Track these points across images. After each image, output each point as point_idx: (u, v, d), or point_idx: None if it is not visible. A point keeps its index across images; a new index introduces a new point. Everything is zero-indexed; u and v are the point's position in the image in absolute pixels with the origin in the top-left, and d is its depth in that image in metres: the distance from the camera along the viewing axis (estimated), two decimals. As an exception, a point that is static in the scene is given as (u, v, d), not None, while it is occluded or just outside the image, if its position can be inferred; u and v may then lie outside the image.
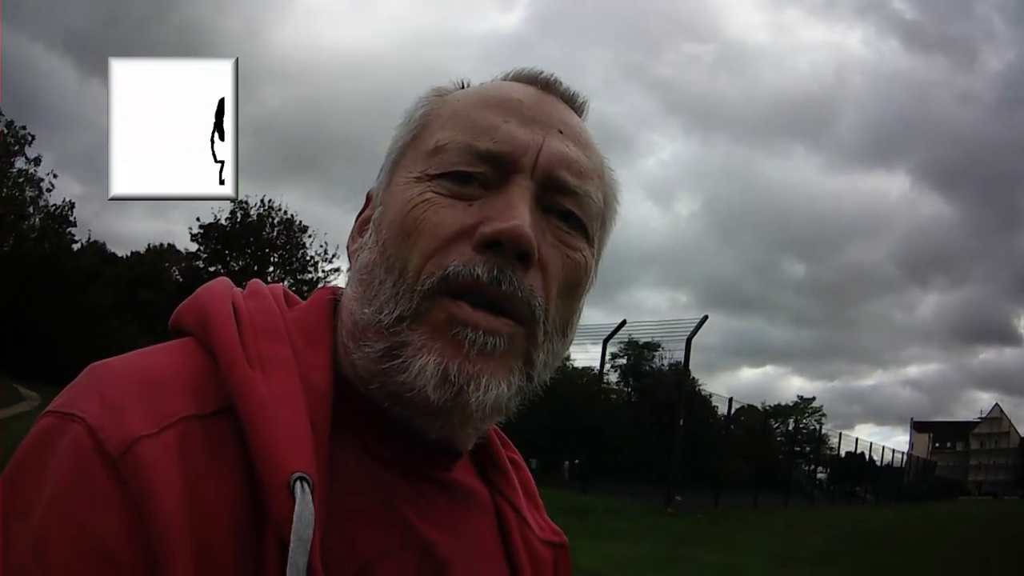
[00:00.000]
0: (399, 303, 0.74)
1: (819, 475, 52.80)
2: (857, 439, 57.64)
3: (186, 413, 0.67)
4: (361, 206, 0.90)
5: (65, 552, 0.60)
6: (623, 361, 40.65)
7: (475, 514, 0.85)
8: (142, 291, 33.71)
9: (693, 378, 39.42)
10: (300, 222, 37.04)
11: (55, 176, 37.91)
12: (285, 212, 36.56)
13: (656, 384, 37.27)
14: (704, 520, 20.66)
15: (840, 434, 53.58)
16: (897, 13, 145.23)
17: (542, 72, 0.86)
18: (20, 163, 35.33)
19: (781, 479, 40.67)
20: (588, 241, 0.82)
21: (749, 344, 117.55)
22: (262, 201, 33.05)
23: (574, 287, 0.80)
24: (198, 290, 0.80)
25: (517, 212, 0.74)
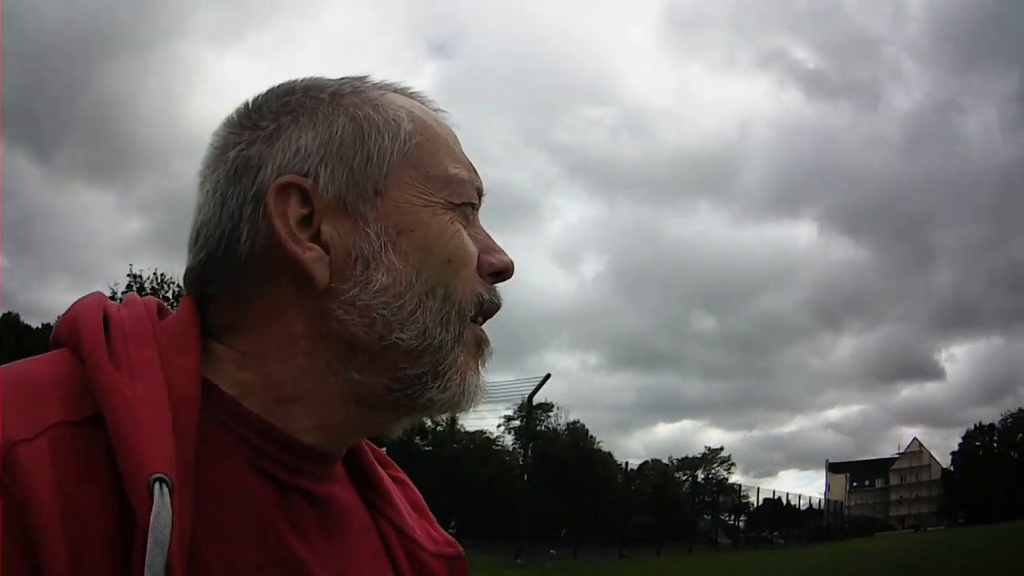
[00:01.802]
0: (449, 328, 0.80)
1: (738, 523, 54.18)
2: (774, 490, 59.30)
3: (58, 419, 0.66)
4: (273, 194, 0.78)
5: None
6: (516, 423, 41.32)
7: (353, 532, 0.85)
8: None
9: (591, 436, 41.06)
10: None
11: None
12: (178, 285, 36.96)
13: (548, 444, 38.25)
14: (552, 570, 22.06)
15: (758, 488, 55.00)
16: (799, 63, 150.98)
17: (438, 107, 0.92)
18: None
19: (684, 529, 41.78)
20: None
21: (663, 400, 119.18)
22: (155, 274, 33.58)
23: None
24: (73, 303, 0.80)
25: (499, 245, 0.87)
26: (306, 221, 0.79)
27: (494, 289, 0.85)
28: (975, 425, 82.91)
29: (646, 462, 54.75)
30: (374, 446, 0.97)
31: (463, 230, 0.83)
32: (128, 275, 30.41)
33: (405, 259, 0.79)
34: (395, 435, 0.90)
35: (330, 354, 0.79)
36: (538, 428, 40.26)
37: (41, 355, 0.75)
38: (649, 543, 34.54)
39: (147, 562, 0.62)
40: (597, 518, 33.79)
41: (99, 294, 0.82)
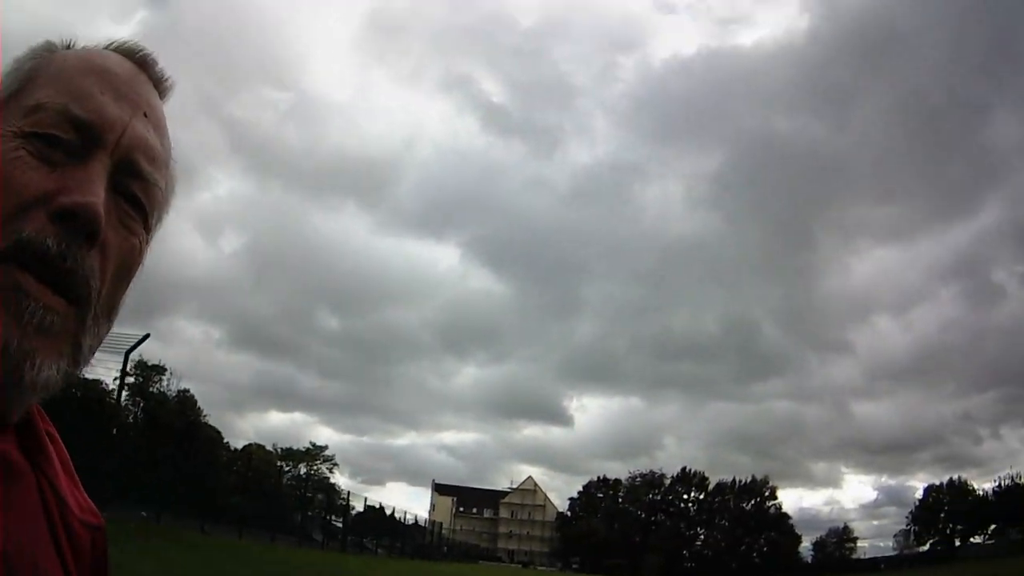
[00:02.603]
0: None
1: (337, 523, 53.88)
2: (380, 501, 59.78)
3: None
4: None
5: None
6: (131, 380, 38.60)
7: (16, 490, 0.79)
8: None
9: (199, 408, 39.33)
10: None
11: None
12: None
13: (158, 408, 36.55)
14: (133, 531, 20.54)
15: (366, 496, 55.19)
16: (484, 93, 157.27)
17: (141, 48, 0.88)
18: None
19: (277, 519, 40.95)
20: (146, 228, 0.85)
21: (279, 388, 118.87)
22: None
23: (126, 272, 0.82)
24: None
25: (96, 188, 0.75)
26: None
27: (60, 234, 0.73)
28: (599, 477, 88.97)
29: (249, 445, 53.99)
30: None
31: (26, 159, 0.75)
32: None
33: None
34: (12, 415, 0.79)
35: None
36: (149, 390, 38.74)
37: None
38: (236, 526, 33.82)
39: None
40: (193, 490, 32.39)
41: None
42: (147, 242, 0.85)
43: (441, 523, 79.72)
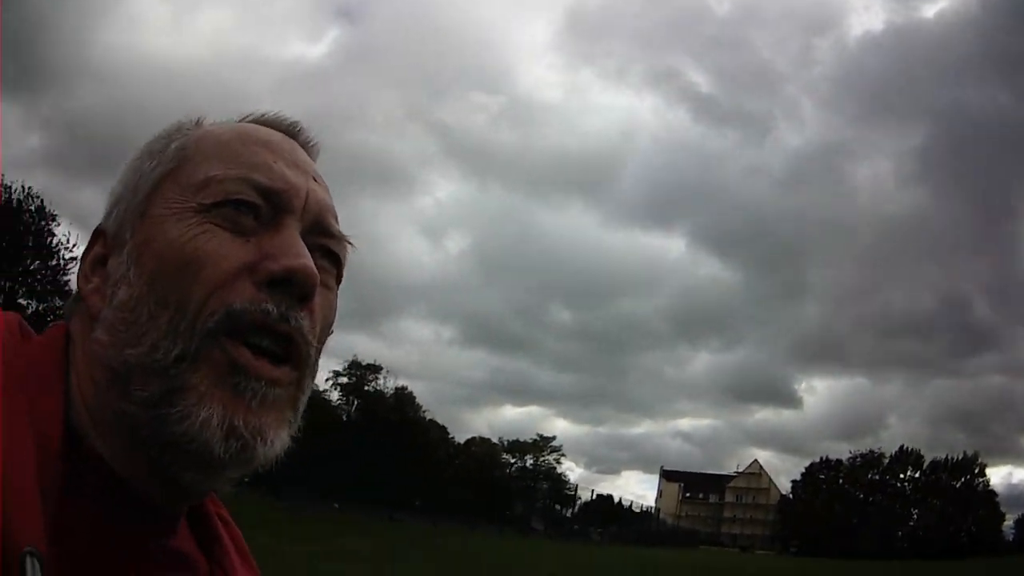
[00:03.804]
0: (178, 341, 0.69)
1: (566, 512, 54.68)
2: (610, 491, 60.12)
3: None
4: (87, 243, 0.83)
5: None
6: (345, 380, 41.32)
7: None
8: None
9: (417, 404, 40.57)
10: (50, 209, 32.60)
11: None
12: (42, 201, 34.23)
13: (374, 405, 38.18)
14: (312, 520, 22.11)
15: (599, 484, 55.54)
16: (692, 85, 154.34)
17: (287, 117, 0.86)
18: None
19: (502, 509, 42.23)
20: (338, 283, 0.83)
21: (513, 383, 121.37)
22: (23, 187, 31.51)
23: (328, 329, 0.81)
24: None
25: (303, 251, 0.74)
26: (102, 261, 0.78)
27: (275, 299, 0.72)
28: (821, 458, 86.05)
29: (473, 438, 55.27)
30: None
31: (215, 231, 0.73)
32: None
33: (141, 271, 0.73)
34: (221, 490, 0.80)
35: (103, 383, 0.72)
36: (365, 389, 40.31)
37: None
38: (467, 517, 35.10)
39: None
40: (415, 484, 34.02)
41: None
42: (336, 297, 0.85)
43: (658, 509, 79.38)
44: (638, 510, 64.27)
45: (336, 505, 28.11)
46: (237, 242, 0.72)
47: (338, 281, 0.83)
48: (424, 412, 42.39)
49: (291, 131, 0.85)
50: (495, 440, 59.84)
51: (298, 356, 0.74)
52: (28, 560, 0.59)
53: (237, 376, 0.70)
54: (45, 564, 0.60)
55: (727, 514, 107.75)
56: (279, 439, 0.72)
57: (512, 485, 51.29)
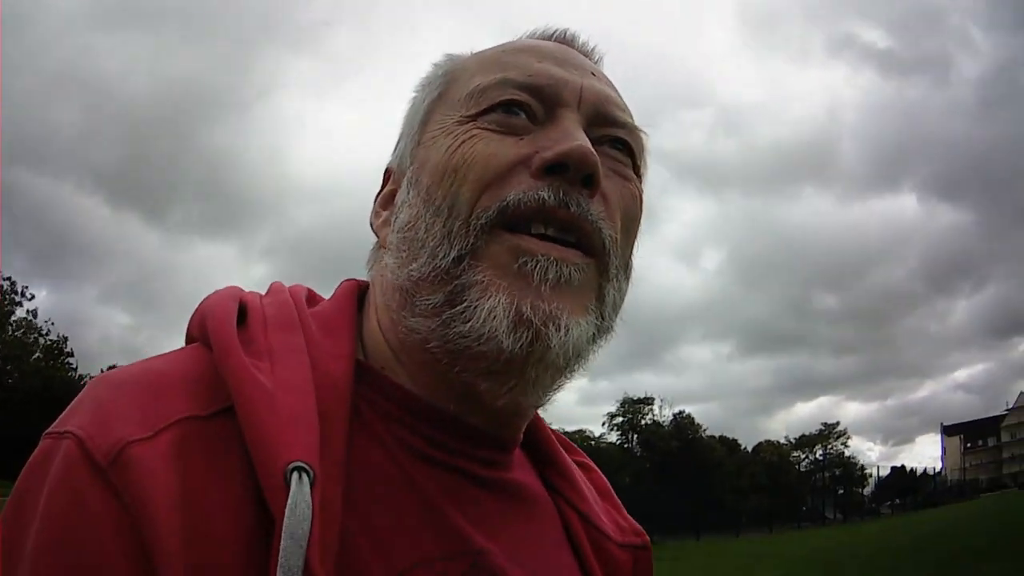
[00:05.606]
0: (454, 242, 0.68)
1: (862, 494, 54.56)
2: (904, 462, 57.22)
3: (185, 414, 0.62)
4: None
5: None
6: (620, 419, 42.56)
7: (535, 520, 0.79)
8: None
9: (697, 424, 42.80)
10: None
11: (51, 323, 48.96)
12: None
13: (652, 436, 39.17)
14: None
15: (898, 457, 53.11)
16: (870, 45, 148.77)
17: (557, 28, 0.85)
18: (20, 312, 46.63)
19: (795, 505, 44.36)
20: (637, 176, 0.79)
21: (797, 380, 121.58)
22: None
23: (633, 221, 0.77)
24: (205, 297, 0.76)
25: (579, 135, 0.70)
26: (390, 197, 0.83)
27: (554, 185, 0.70)
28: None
29: (760, 444, 55.74)
30: (558, 432, 0.91)
31: (484, 135, 0.73)
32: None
33: (419, 190, 0.75)
34: (535, 406, 0.78)
35: (395, 305, 0.75)
36: (641, 422, 41.69)
37: (168, 352, 0.70)
38: (763, 522, 37.69)
39: (280, 561, 0.56)
40: (707, 504, 36.51)
41: (234, 287, 0.79)
42: (641, 189, 0.80)
43: (944, 467, 77.14)
44: (931, 473, 63.76)
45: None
46: (508, 141, 0.72)
47: (637, 173, 0.80)
48: (704, 430, 44.28)
49: (563, 38, 0.85)
50: (782, 441, 59.46)
51: (589, 243, 0.71)
52: (295, 475, 0.58)
53: (522, 258, 0.68)
54: (320, 481, 0.60)
55: (1005, 455, 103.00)
56: (576, 327, 0.68)
57: (803, 480, 51.48)
